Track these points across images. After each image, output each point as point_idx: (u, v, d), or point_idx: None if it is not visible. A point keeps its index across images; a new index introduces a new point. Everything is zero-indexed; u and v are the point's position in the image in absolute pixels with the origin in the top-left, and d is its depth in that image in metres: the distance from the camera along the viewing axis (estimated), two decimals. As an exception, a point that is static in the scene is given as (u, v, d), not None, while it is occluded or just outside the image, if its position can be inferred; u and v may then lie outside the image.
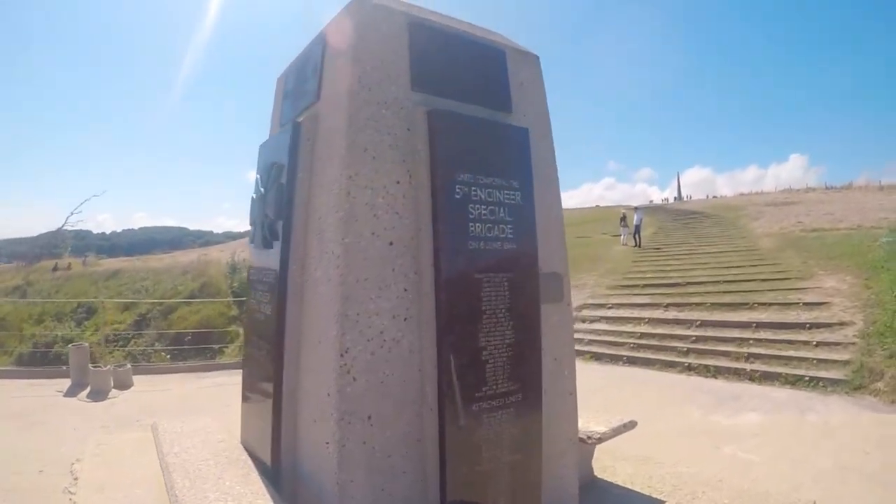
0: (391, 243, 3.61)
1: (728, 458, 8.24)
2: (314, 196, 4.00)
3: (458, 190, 3.73)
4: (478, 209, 3.81)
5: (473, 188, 3.81)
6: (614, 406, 10.68)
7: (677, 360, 14.28)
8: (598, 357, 15.85)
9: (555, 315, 4.40)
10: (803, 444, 8.71)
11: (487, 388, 3.73)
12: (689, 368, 13.77)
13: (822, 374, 11.83)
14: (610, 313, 18.52)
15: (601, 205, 72.60)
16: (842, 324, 13.50)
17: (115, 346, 23.06)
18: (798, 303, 15.26)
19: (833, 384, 11.44)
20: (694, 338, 15.05)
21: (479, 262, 3.77)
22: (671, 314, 16.99)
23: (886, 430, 9.10)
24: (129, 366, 12.02)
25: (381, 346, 3.50)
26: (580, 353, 15.89)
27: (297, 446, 4.03)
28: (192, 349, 20.18)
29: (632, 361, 15.07)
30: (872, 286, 14.92)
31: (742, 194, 57.15)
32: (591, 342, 16.85)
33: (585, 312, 19.22)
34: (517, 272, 3.96)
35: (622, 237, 30.97)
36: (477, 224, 3.79)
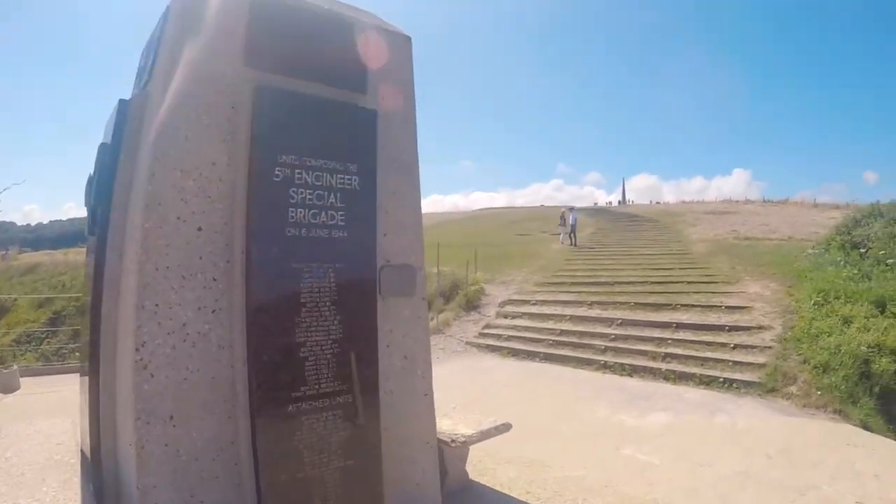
0: (200, 229, 3.32)
1: (625, 461, 7.85)
2: (135, 180, 3.61)
3: (277, 172, 3.45)
4: (301, 193, 3.53)
5: (298, 171, 3.53)
6: (520, 404, 10.50)
7: (594, 357, 13.95)
8: (515, 353, 15.44)
9: (406, 309, 4.18)
10: (707, 446, 8.38)
11: (308, 387, 3.46)
12: (606, 367, 13.45)
13: (737, 376, 11.59)
14: (533, 310, 18.14)
15: (547, 204, 72.78)
16: (760, 328, 13.33)
17: (27, 346, 22.31)
18: (720, 306, 15.07)
19: (747, 386, 11.22)
20: (613, 336, 14.74)
21: (300, 251, 3.50)
22: (594, 312, 16.70)
23: (793, 435, 8.83)
24: (15, 367, 11.50)
25: (183, 340, 3.21)
26: (498, 349, 15.67)
27: (115, 448, 3.65)
28: None
29: (549, 358, 14.68)
30: (794, 294, 14.84)
31: (684, 202, 57.61)
32: (510, 338, 16.44)
33: (508, 308, 18.84)
34: (348, 263, 3.70)
35: (561, 236, 30.92)
36: (299, 209, 3.51)
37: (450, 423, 5.49)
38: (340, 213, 3.65)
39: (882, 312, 12.87)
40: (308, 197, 3.52)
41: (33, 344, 22.99)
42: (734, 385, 11.35)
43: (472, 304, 19.79)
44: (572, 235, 29.92)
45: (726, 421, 9.59)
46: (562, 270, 22.80)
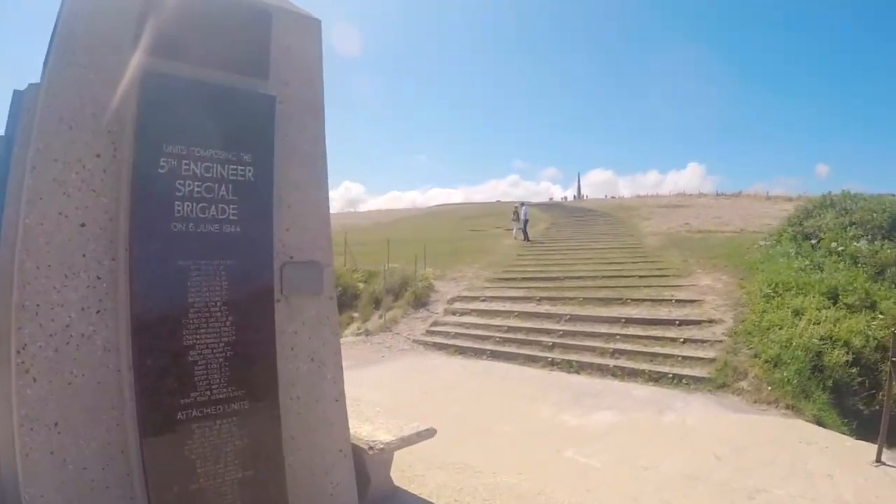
0: (83, 225, 3.08)
1: (565, 464, 7.38)
2: (26, 173, 3.26)
3: (163, 163, 3.18)
4: (188, 186, 3.26)
5: (185, 161, 3.26)
6: (462, 404, 10.17)
7: (541, 354, 13.47)
8: (462, 351, 14.91)
9: (312, 309, 3.92)
10: (653, 447, 7.93)
11: (198, 393, 3.22)
12: (553, 364, 12.98)
13: (687, 371, 11.20)
14: (482, 306, 17.61)
15: (503, 200, 72.71)
16: (711, 321, 12.98)
17: None
18: (671, 299, 14.73)
19: (697, 382, 10.83)
20: (561, 332, 14.28)
21: (187, 247, 3.24)
22: (543, 308, 16.24)
23: (744, 433, 8.44)
24: None
25: (66, 343, 2.98)
26: (445, 347, 15.15)
27: (12, 457, 3.29)
28: None
29: (496, 356, 14.17)
30: (746, 286, 14.56)
31: (639, 196, 57.84)
32: (457, 335, 15.89)
33: (457, 305, 18.29)
34: (241, 260, 3.45)
35: (514, 231, 30.57)
36: (186, 203, 3.24)
37: (370, 428, 5.16)
38: (233, 206, 3.39)
39: (834, 304, 12.63)
40: (196, 189, 3.27)
41: None
42: (684, 381, 10.96)
43: (420, 301, 19.23)
44: (524, 230, 29.56)
45: (674, 419, 9.17)
46: (512, 266, 22.34)
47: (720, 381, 10.61)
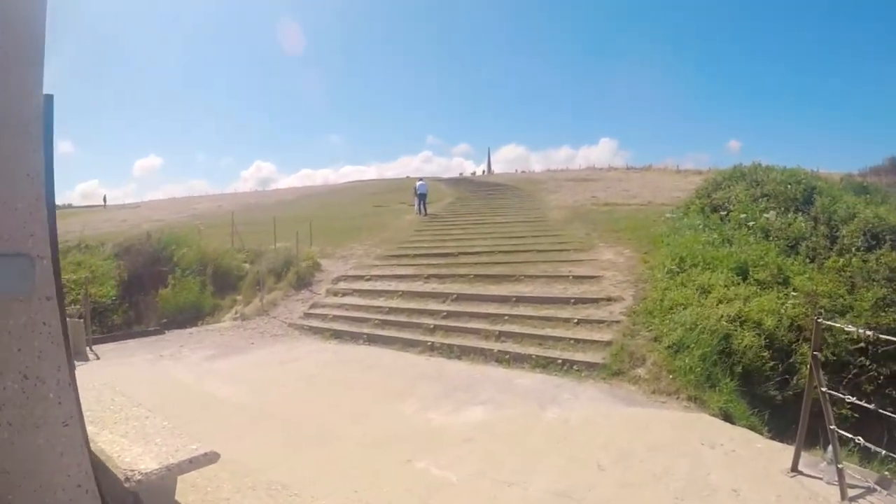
0: None
1: (414, 478, 6.02)
2: None
3: None
4: None
5: None
6: (314, 402, 8.97)
7: (421, 338, 12.09)
8: (338, 335, 13.51)
9: (21, 315, 2.90)
10: (526, 454, 6.63)
11: None
12: (433, 348, 11.63)
13: (579, 356, 9.92)
14: (366, 286, 16.11)
15: (412, 176, 71.31)
16: (609, 300, 11.79)
17: None
18: (568, 276, 13.51)
19: (589, 369, 9.56)
20: (445, 313, 12.89)
21: None
22: (430, 287, 14.82)
23: (636, 433, 7.16)
24: None
25: None
26: (321, 331, 13.90)
27: None
28: None
29: (373, 340, 12.80)
30: (649, 260, 13.44)
31: (549, 170, 57.17)
32: (335, 318, 14.46)
33: (341, 285, 16.79)
34: None
35: (415, 206, 29.24)
36: None
37: (139, 451, 4.36)
38: None
39: (744, 280, 11.55)
40: None
41: None
42: (575, 368, 9.67)
43: (303, 282, 17.71)
44: (422, 205, 28.64)
45: (557, 416, 7.83)
46: (407, 242, 20.96)
47: (615, 368, 9.33)
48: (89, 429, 3.82)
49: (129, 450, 4.33)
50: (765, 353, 9.49)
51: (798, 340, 10.18)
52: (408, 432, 7.44)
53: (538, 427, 7.46)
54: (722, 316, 9.85)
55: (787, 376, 9.52)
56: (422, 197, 28.71)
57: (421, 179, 31.52)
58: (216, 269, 19.86)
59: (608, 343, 10.02)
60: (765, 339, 9.68)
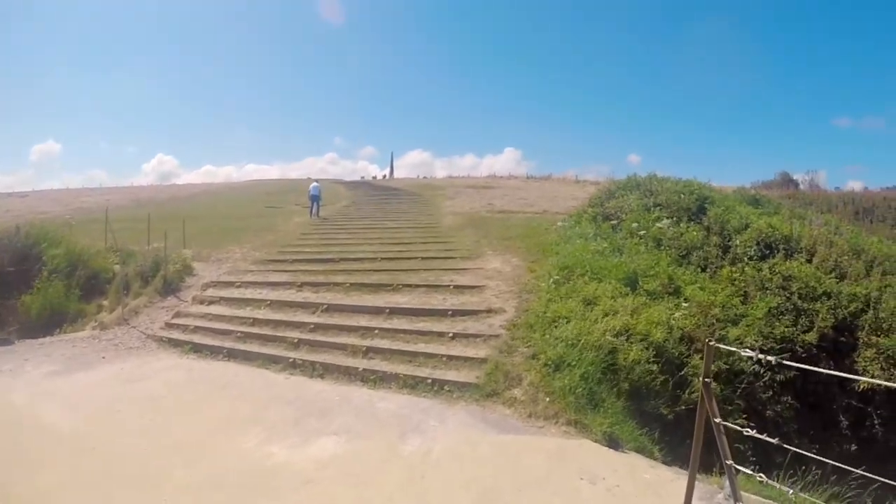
0: None
1: None
2: None
3: None
4: None
5: None
6: (146, 432, 7.82)
7: (284, 354, 10.91)
8: (198, 349, 12.16)
9: None
10: (374, 499, 5.60)
11: None
12: (294, 366, 10.44)
13: (451, 375, 8.96)
14: (236, 293, 14.73)
15: (312, 177, 69.70)
16: (490, 311, 10.90)
17: None
18: (449, 285, 12.56)
19: (461, 389, 8.60)
20: (313, 326, 11.72)
21: None
22: (302, 296, 13.60)
23: (505, 468, 6.27)
24: None
25: None
26: (180, 344, 12.57)
27: None
28: None
29: (233, 355, 11.53)
30: (536, 270, 12.60)
31: (450, 177, 56.57)
32: (197, 329, 13.06)
33: (210, 292, 15.34)
34: None
35: (309, 209, 28.01)
36: None
37: None
38: None
39: (633, 290, 10.84)
40: None
41: None
42: (446, 388, 8.69)
43: (170, 287, 16.13)
44: (315, 208, 27.54)
45: (418, 448, 6.83)
46: (290, 246, 19.63)
47: (489, 389, 8.38)
48: None
49: None
50: (653, 367, 8.73)
51: (689, 352, 9.54)
52: (242, 472, 6.41)
53: (394, 463, 6.46)
54: (607, 329, 9.05)
55: (678, 392, 8.81)
56: (314, 199, 27.67)
57: (315, 181, 30.20)
58: (86, 271, 18.04)
59: (483, 360, 9.08)
60: (653, 352, 8.94)
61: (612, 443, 7.06)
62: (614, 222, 16.15)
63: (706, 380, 4.74)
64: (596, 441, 7.01)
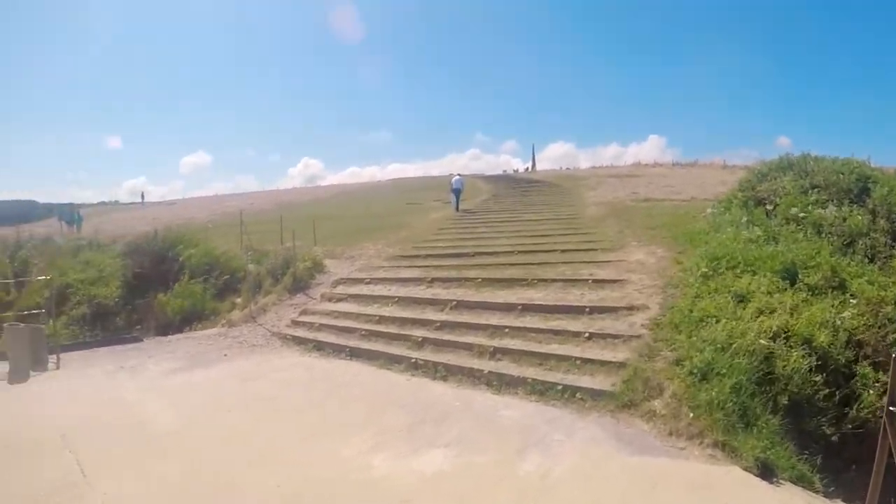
0: None
1: None
2: None
3: None
4: None
5: None
6: (246, 433, 7.48)
7: (408, 353, 10.29)
8: (321, 347, 11.83)
9: None
10: None
11: None
12: (416, 366, 9.82)
13: (585, 381, 7.95)
14: (365, 290, 14.32)
15: (463, 174, 69.80)
16: (631, 308, 9.72)
17: None
18: (588, 279, 11.46)
19: (595, 398, 7.58)
20: (440, 324, 11.03)
21: None
22: (431, 292, 12.97)
23: (638, 498, 5.14)
24: None
25: None
26: (304, 342, 12.33)
27: None
28: None
29: (355, 354, 11.07)
30: (683, 261, 11.28)
31: (594, 167, 54.74)
32: (322, 327, 12.80)
33: (339, 289, 15.09)
34: None
35: (452, 202, 27.52)
36: None
37: None
38: None
39: (792, 285, 9.34)
40: None
41: None
42: (577, 396, 7.69)
43: (300, 285, 16.08)
44: (455, 201, 27.01)
45: (537, 467, 5.92)
46: (425, 242, 19.15)
47: (625, 399, 7.31)
48: None
49: None
50: (817, 378, 7.26)
51: (857, 359, 7.92)
52: (333, 486, 5.78)
53: (506, 484, 5.61)
54: (762, 331, 7.70)
55: (845, 409, 7.31)
56: (456, 192, 27.11)
57: (458, 174, 29.90)
58: (221, 271, 18.36)
59: (621, 365, 7.99)
60: (817, 360, 7.46)
61: (766, 471, 5.83)
62: (769, 207, 14.46)
63: (892, 408, 3.60)
64: (747, 468, 5.79)
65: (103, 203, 71.41)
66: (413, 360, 9.91)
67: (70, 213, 36.97)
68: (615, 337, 8.87)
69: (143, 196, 64.30)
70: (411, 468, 6.04)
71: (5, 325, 12.35)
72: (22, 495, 5.80)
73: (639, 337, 8.65)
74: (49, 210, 53.65)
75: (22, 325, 12.31)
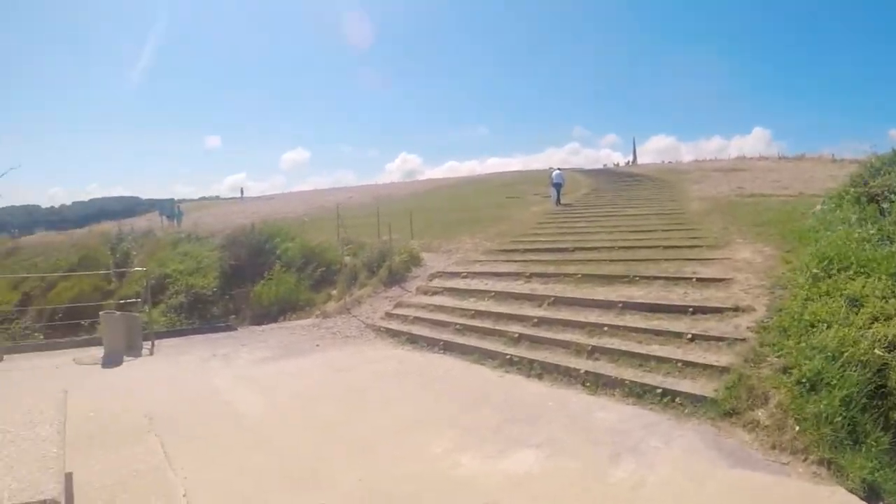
0: None
1: None
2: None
3: None
4: None
5: None
6: (335, 424, 7.54)
7: (502, 349, 10.13)
8: (414, 340, 11.85)
9: None
10: None
11: None
12: (511, 363, 9.65)
13: (685, 386, 7.60)
14: (461, 284, 14.26)
15: (553, 168, 69.04)
16: (737, 310, 9.24)
17: (2, 327, 20.99)
18: (691, 278, 11.01)
19: (695, 404, 7.22)
20: (537, 320, 10.79)
21: None
22: (529, 287, 12.74)
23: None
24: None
25: None
26: (398, 335, 12.35)
27: None
28: (64, 325, 18.71)
29: (449, 348, 11.01)
30: (792, 260, 10.67)
31: (697, 161, 53.04)
32: (416, 320, 12.83)
33: (435, 282, 15.12)
34: None
35: (552, 196, 27.18)
36: None
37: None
38: None
39: (911, 289, 8.66)
40: None
41: (5, 325, 21.99)
42: (677, 401, 7.36)
43: (395, 278, 16.22)
44: (556, 195, 26.65)
45: (630, 475, 5.69)
46: (523, 236, 19.00)
47: (728, 407, 6.92)
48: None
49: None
50: (936, 394, 6.72)
51: None
52: (418, 482, 5.71)
53: (596, 491, 5.42)
54: (876, 340, 7.15)
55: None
56: (557, 186, 26.71)
57: (558, 168, 29.65)
58: (317, 263, 18.69)
59: (725, 370, 7.58)
60: (937, 373, 6.88)
61: (872, 494, 5.34)
62: (883, 205, 13.52)
63: None
64: (852, 490, 5.35)
65: (204, 199, 74.46)
66: (508, 357, 9.76)
67: (171, 208, 38.67)
68: (719, 339, 8.45)
69: (242, 191, 66.54)
70: (498, 469, 5.92)
71: (101, 312, 12.92)
72: (105, 476, 5.96)
73: (744, 340, 8.21)
74: (151, 205, 56.58)
75: (118, 312, 12.91)
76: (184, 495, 5.52)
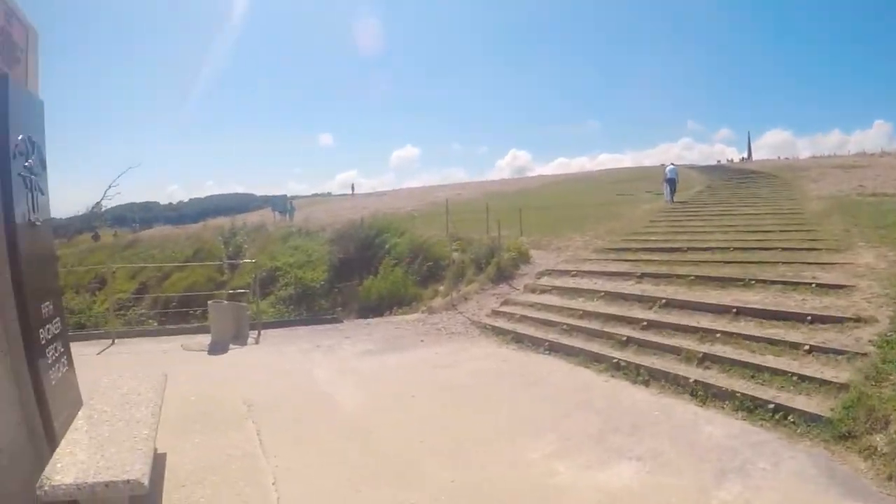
0: None
1: None
2: None
3: None
4: None
5: None
6: (427, 418, 7.57)
7: (609, 353, 9.86)
8: (519, 339, 11.66)
9: None
10: None
11: None
12: (618, 367, 9.36)
13: (799, 402, 7.13)
14: (570, 283, 14.00)
15: (676, 164, 67.22)
16: (858, 321, 8.61)
17: (120, 313, 22.28)
18: (811, 283, 10.38)
19: (809, 423, 6.74)
20: (646, 323, 10.47)
21: None
22: (639, 288, 12.38)
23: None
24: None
25: None
26: (502, 333, 12.19)
27: None
28: (176, 313, 19.82)
29: (554, 349, 10.78)
30: (921, 268, 9.93)
31: (815, 157, 50.26)
32: (522, 318, 12.63)
33: (543, 280, 14.90)
34: None
35: (665, 194, 26.48)
36: None
37: (75, 459, 3.95)
38: None
39: None
40: None
41: (122, 311, 23.39)
42: (789, 419, 6.92)
43: (503, 275, 16.13)
44: (668, 192, 26.21)
45: (734, 497, 5.35)
46: (635, 234, 18.57)
47: (843, 429, 6.41)
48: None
49: (69, 455, 4.03)
50: None
51: None
52: (511, 489, 5.58)
53: (697, 513, 5.13)
54: None
55: None
56: (671, 182, 26.18)
57: (672, 164, 29.00)
58: (426, 258, 18.81)
59: (843, 387, 7.06)
60: None
61: None
62: None
63: None
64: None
65: (316, 195, 76.52)
66: (614, 361, 9.49)
67: (283, 204, 39.99)
68: (838, 353, 7.90)
69: (353, 188, 68.08)
70: (595, 480, 5.73)
71: (210, 301, 13.41)
72: (198, 459, 6.12)
73: (865, 355, 7.63)
74: (265, 202, 58.67)
75: (226, 301, 13.39)
76: (273, 483, 5.63)
